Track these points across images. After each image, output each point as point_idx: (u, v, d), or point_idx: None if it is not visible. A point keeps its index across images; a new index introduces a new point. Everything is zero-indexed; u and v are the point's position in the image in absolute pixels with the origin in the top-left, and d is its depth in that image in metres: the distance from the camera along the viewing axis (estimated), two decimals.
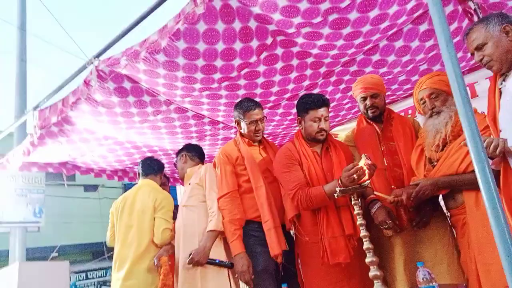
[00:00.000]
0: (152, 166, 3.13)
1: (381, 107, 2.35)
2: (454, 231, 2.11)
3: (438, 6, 1.33)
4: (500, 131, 1.69)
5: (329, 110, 2.38)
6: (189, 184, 2.71)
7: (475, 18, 2.53)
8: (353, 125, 2.81)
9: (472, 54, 1.80)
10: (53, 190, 8.20)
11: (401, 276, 2.03)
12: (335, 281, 2.06)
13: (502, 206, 1.16)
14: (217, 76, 2.57)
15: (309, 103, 2.30)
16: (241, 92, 2.83)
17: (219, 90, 2.76)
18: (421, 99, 2.13)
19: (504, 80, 1.73)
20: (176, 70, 2.40)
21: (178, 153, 3.00)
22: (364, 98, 2.35)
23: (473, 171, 1.21)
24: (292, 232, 2.35)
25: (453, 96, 1.26)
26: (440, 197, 2.14)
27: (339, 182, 1.91)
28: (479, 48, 1.74)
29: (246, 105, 2.50)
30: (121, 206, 2.98)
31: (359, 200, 1.77)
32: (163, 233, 2.80)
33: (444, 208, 2.18)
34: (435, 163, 2.03)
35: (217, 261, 2.36)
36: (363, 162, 1.82)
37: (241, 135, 2.55)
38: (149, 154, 3.62)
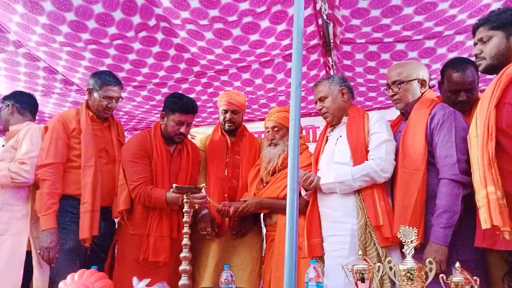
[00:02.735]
0: None
1: (237, 124, 2.54)
2: (264, 245, 2.43)
3: (298, 56, 1.56)
4: (318, 170, 2.05)
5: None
6: (3, 145, 2.37)
7: (331, 72, 3.01)
8: (210, 129, 2.95)
9: (316, 102, 2.14)
10: None
11: (209, 275, 2.23)
12: (144, 274, 2.09)
13: (298, 228, 1.41)
14: (85, 36, 2.38)
15: (178, 105, 2.30)
16: (108, 61, 2.67)
17: (83, 51, 2.54)
18: (267, 128, 2.41)
19: (332, 130, 2.12)
20: (38, 14, 2.14)
21: (3, 99, 2.51)
22: (225, 111, 2.50)
23: None
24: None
25: (289, 134, 1.48)
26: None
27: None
28: (321, 99, 2.09)
29: (106, 78, 2.34)
30: None
31: (190, 209, 1.86)
32: None
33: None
34: (265, 185, 2.33)
35: None
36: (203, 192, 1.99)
37: (87, 106, 2.36)
38: None
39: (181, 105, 2.30)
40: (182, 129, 2.31)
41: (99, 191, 2.20)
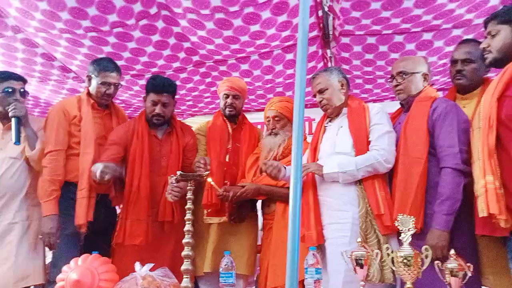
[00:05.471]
0: None
1: (238, 109, 2.53)
2: (262, 232, 2.46)
3: (304, 46, 1.57)
4: (317, 159, 2.09)
5: (174, 97, 2.39)
6: None
7: (329, 64, 3.03)
8: (205, 119, 2.94)
9: (314, 95, 2.16)
10: None
11: (208, 260, 2.27)
12: (142, 259, 2.13)
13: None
14: (85, 23, 2.37)
15: (151, 85, 2.32)
16: (108, 49, 2.66)
17: (83, 38, 2.53)
18: (267, 117, 2.42)
19: (330, 121, 2.16)
20: None
21: None
22: (227, 96, 2.49)
23: (288, 187, 1.46)
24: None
25: (293, 123, 1.49)
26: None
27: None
28: (321, 91, 2.11)
29: (105, 64, 2.34)
30: None
31: (193, 196, 1.85)
32: None
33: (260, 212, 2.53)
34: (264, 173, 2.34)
35: None
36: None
37: (88, 94, 2.36)
38: None
39: (152, 85, 2.31)
40: (158, 109, 2.29)
41: None
